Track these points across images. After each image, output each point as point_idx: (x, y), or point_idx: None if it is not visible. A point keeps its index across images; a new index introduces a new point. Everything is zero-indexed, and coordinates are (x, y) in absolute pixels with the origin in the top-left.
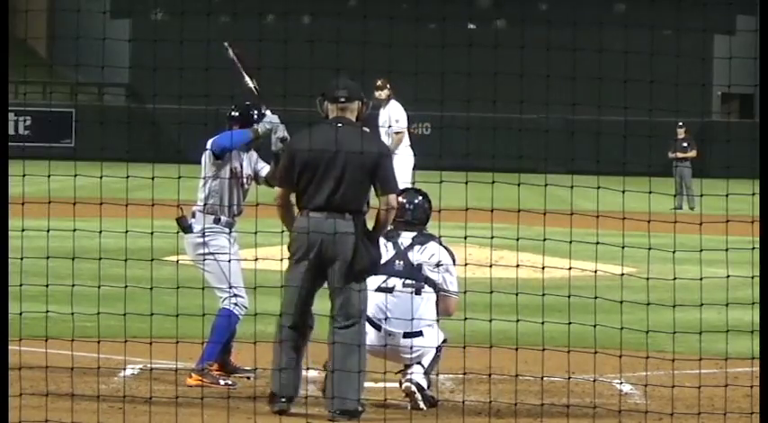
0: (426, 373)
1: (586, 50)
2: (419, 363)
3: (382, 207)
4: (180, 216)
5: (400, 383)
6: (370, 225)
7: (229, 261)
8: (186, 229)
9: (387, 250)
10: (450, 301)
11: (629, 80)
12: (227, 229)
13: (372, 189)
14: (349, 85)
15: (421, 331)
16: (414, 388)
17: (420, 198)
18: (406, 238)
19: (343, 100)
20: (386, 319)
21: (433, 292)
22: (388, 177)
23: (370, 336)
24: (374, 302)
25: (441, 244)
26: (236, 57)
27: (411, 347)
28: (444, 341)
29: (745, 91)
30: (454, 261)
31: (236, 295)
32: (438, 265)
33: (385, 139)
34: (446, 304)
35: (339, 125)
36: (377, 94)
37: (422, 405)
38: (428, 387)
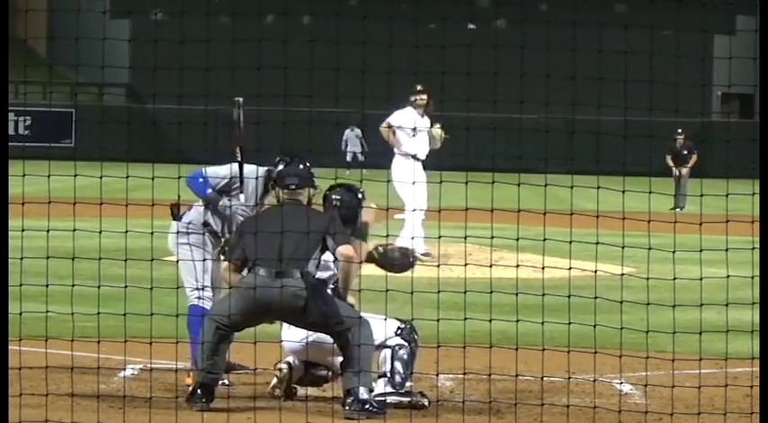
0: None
1: (586, 50)
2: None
3: (340, 259)
4: (175, 203)
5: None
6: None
7: (215, 260)
8: (176, 216)
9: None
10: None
11: (629, 80)
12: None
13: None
14: (301, 174)
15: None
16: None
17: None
18: None
19: (293, 187)
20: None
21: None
22: (339, 231)
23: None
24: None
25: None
26: (241, 117)
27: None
28: (401, 331)
29: (745, 91)
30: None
31: (203, 288)
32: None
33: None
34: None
35: (288, 205)
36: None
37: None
38: (382, 390)
